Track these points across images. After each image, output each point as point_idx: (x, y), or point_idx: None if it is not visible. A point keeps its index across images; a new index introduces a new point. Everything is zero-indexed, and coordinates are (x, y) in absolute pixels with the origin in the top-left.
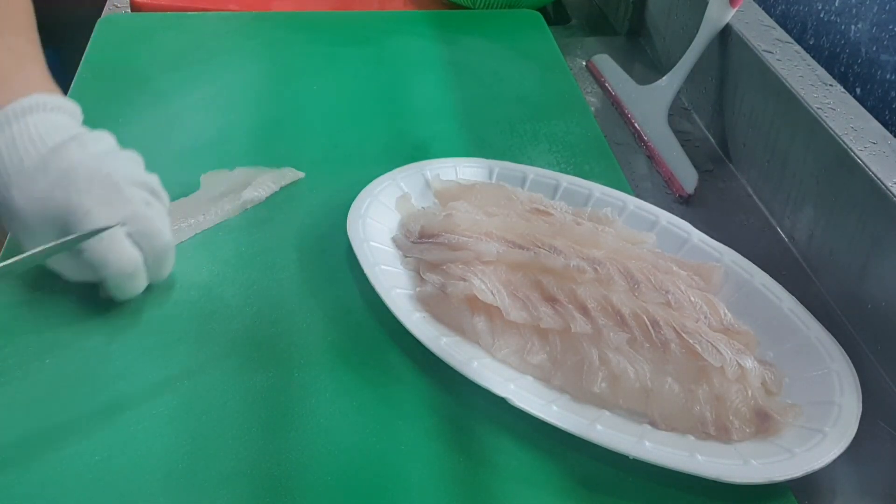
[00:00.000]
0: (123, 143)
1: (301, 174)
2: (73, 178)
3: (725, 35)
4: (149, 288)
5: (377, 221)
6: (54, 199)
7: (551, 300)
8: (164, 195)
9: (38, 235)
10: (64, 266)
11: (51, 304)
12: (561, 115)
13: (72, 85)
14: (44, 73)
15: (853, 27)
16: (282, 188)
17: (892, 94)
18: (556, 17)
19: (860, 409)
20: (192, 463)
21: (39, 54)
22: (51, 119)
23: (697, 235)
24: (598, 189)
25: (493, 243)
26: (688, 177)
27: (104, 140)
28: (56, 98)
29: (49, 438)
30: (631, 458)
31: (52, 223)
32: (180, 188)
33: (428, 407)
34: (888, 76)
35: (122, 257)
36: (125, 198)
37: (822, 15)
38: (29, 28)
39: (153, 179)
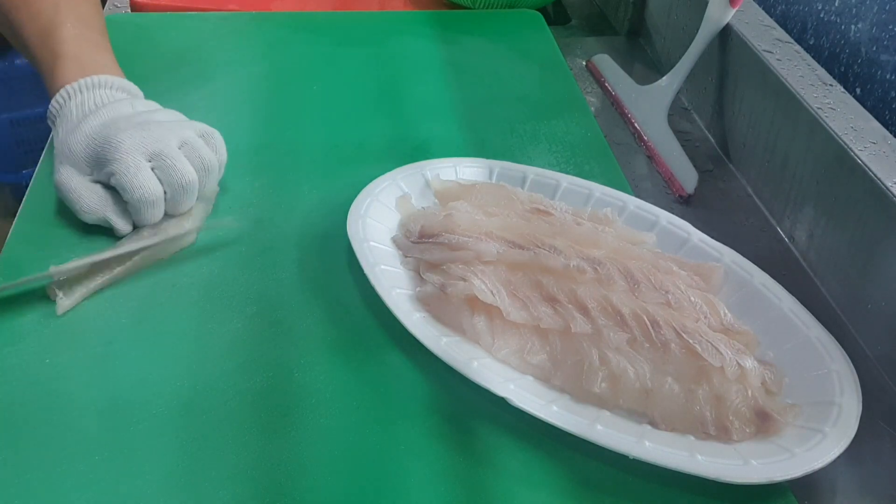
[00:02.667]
0: None
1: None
2: (117, 120)
3: (725, 35)
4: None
5: (377, 221)
6: (98, 135)
7: (551, 300)
8: (218, 141)
9: (80, 167)
10: (92, 196)
11: (50, 304)
12: (561, 115)
13: None
14: (113, 60)
15: (853, 27)
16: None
17: (892, 94)
18: (556, 17)
19: (860, 409)
20: (192, 463)
21: (108, 45)
22: (114, 94)
23: (697, 235)
24: (598, 189)
25: (493, 243)
26: (688, 177)
27: (152, 104)
28: (122, 80)
29: (48, 438)
30: (631, 458)
31: (92, 154)
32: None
33: (428, 406)
34: (888, 76)
35: (145, 185)
36: (155, 138)
37: (822, 15)
38: (100, 21)
39: (201, 127)
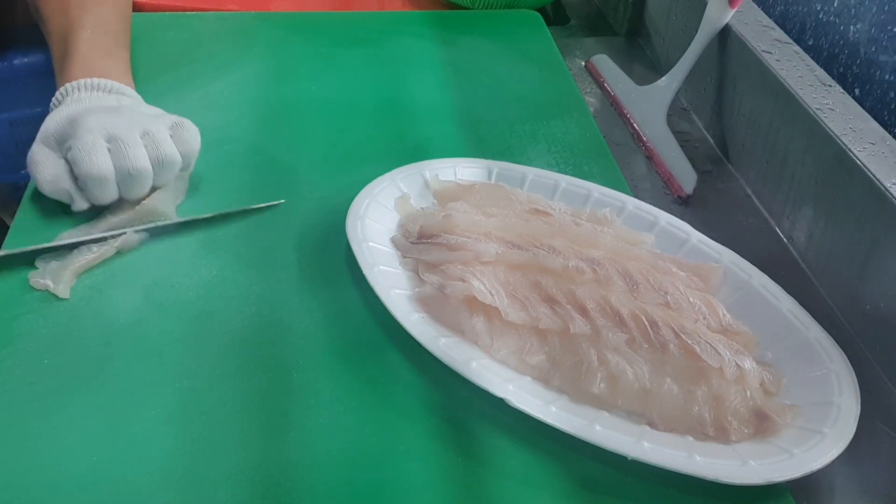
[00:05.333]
0: None
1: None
2: (91, 107)
3: (724, 35)
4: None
5: (376, 222)
6: (71, 116)
7: (550, 301)
8: (189, 132)
9: (50, 144)
10: (53, 167)
11: (50, 304)
12: (560, 116)
13: None
14: (123, 67)
15: (852, 28)
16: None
17: (891, 94)
18: (555, 17)
19: (859, 410)
20: (191, 463)
21: (124, 53)
22: (113, 97)
23: (696, 236)
24: (596, 189)
25: (492, 244)
26: (687, 177)
27: (138, 101)
28: (122, 86)
29: (48, 439)
30: (630, 458)
31: (61, 132)
32: None
33: (427, 407)
34: (887, 77)
35: (94, 162)
36: (118, 123)
37: (820, 15)
38: (119, 27)
39: (173, 120)
